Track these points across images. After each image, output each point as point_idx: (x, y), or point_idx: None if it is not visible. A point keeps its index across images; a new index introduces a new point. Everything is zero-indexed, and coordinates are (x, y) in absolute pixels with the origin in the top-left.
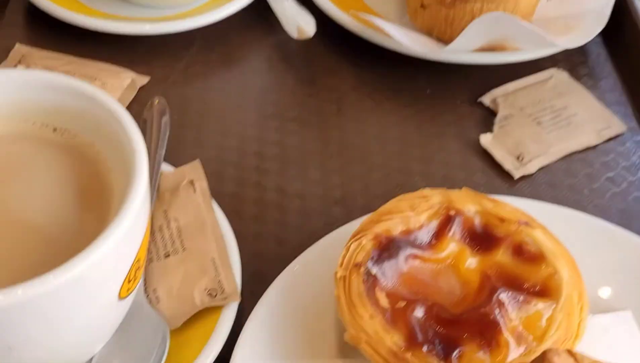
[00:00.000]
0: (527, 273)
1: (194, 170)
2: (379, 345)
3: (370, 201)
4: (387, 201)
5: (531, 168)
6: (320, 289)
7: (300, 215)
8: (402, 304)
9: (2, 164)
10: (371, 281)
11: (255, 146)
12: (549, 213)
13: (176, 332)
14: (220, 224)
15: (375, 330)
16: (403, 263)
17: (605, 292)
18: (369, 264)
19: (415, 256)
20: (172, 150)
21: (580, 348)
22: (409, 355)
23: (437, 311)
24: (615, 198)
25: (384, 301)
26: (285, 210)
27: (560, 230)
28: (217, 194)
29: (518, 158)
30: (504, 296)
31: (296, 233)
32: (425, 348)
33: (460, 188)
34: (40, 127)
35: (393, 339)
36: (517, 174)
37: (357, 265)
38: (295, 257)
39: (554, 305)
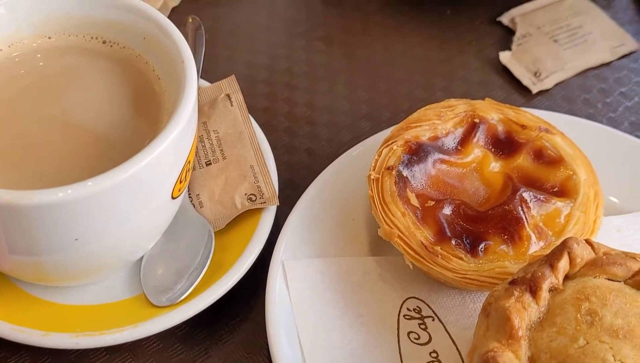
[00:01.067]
0: (547, 175)
1: (230, 84)
2: (411, 240)
3: (395, 115)
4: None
5: (548, 83)
6: (351, 193)
7: (329, 128)
8: (431, 203)
9: (58, 75)
10: (402, 182)
11: (285, 64)
12: (566, 124)
13: (220, 233)
14: (257, 135)
15: (407, 226)
16: (431, 167)
17: (617, 197)
18: (400, 167)
19: (442, 161)
20: (205, 68)
21: None
22: (438, 248)
23: (463, 209)
24: (628, 112)
25: (414, 200)
26: (315, 123)
27: (576, 138)
28: (250, 109)
29: (535, 74)
30: (527, 194)
31: (326, 145)
32: (453, 242)
33: None
34: (89, 40)
35: (423, 234)
36: (534, 90)
37: (389, 168)
38: (325, 167)
39: (572, 204)
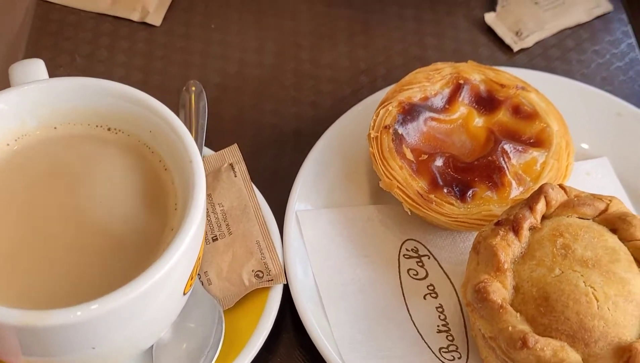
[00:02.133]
0: (524, 128)
1: (233, 153)
2: (408, 189)
3: (391, 71)
4: (406, 71)
5: (528, 42)
6: (353, 149)
7: (331, 83)
8: (424, 157)
9: (66, 165)
10: (398, 139)
11: (291, 24)
12: (543, 80)
13: (228, 311)
14: (261, 207)
15: (405, 178)
16: (423, 124)
17: (586, 144)
18: (396, 126)
19: (432, 119)
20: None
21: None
22: (432, 196)
23: (453, 161)
24: (599, 68)
25: (409, 155)
26: (318, 79)
27: (552, 93)
28: (258, 65)
29: (517, 33)
30: (507, 147)
31: (328, 98)
32: (445, 190)
33: (467, 60)
34: (95, 128)
35: (419, 184)
36: (516, 48)
37: (386, 127)
38: (328, 118)
39: (546, 153)
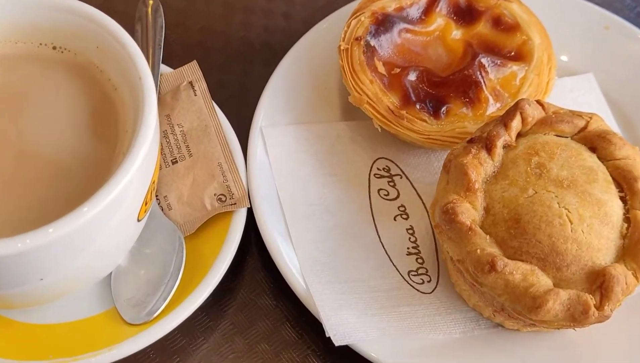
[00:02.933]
0: (504, 40)
1: (193, 71)
2: (378, 105)
3: None
4: None
5: None
6: (324, 63)
7: None
8: (397, 70)
9: (12, 89)
10: (370, 52)
11: None
12: None
13: (189, 237)
14: (223, 127)
15: (375, 93)
16: (397, 36)
17: (571, 59)
18: (368, 37)
19: (407, 30)
20: None
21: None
22: (404, 112)
23: (427, 75)
24: None
25: (381, 68)
26: None
27: (536, 4)
28: None
29: None
30: (485, 60)
31: (301, 10)
32: (418, 106)
33: None
34: (38, 47)
35: (390, 100)
36: None
37: (358, 39)
38: (300, 31)
39: (527, 67)
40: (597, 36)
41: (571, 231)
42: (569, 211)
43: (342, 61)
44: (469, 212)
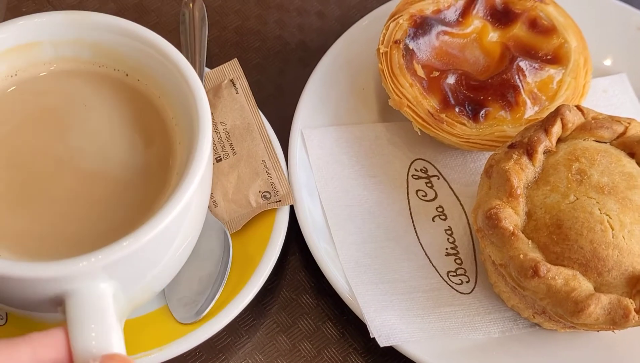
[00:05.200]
0: (541, 43)
1: (234, 69)
2: (418, 108)
3: None
4: None
5: None
6: (361, 64)
7: None
8: (436, 74)
9: (60, 107)
10: (409, 55)
11: None
12: None
13: (235, 234)
14: (265, 126)
15: (415, 96)
16: (435, 39)
17: (605, 60)
18: (407, 40)
19: (445, 33)
20: None
21: (584, 105)
22: (444, 116)
23: (465, 79)
24: None
25: (420, 71)
26: None
27: (571, 5)
28: None
29: None
30: (522, 63)
31: (336, 7)
32: (457, 110)
33: None
34: (86, 64)
35: (430, 103)
36: None
37: (397, 42)
38: (335, 30)
39: (564, 70)
40: (630, 37)
41: (612, 237)
42: (610, 218)
43: (381, 65)
44: (512, 217)
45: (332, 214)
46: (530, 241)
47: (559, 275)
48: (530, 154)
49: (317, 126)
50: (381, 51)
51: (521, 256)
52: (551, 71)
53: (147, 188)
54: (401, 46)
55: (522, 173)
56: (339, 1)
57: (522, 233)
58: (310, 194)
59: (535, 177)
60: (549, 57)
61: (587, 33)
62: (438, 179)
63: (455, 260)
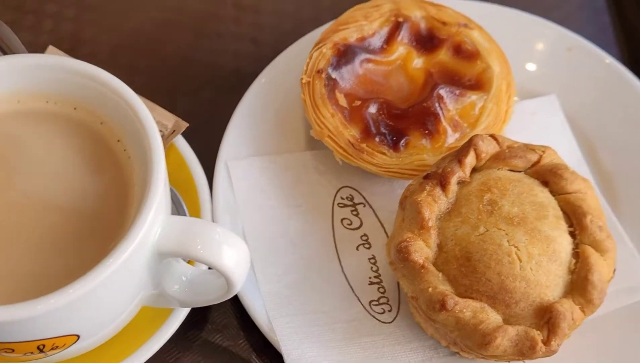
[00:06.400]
0: (465, 69)
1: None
2: (339, 138)
3: (336, 3)
4: (351, 2)
5: None
6: (290, 94)
7: (273, 16)
8: (358, 103)
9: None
10: (331, 84)
11: None
12: (491, 13)
13: None
14: (190, 163)
15: (336, 126)
16: (358, 67)
17: (535, 81)
18: (329, 69)
19: (369, 60)
20: None
21: (510, 130)
22: (364, 145)
23: (387, 107)
24: None
25: (342, 101)
26: (259, 12)
27: (499, 27)
28: None
29: None
30: (443, 91)
31: (269, 34)
32: (377, 139)
33: None
34: (37, 103)
35: (351, 133)
36: None
37: (319, 71)
38: (270, 56)
39: (485, 96)
40: (560, 58)
41: (520, 269)
42: (518, 249)
43: (304, 95)
44: (422, 250)
45: (255, 246)
46: (440, 274)
47: (467, 308)
48: (444, 185)
49: (244, 156)
50: (304, 80)
51: (430, 289)
52: (473, 97)
53: (102, 226)
54: (323, 75)
55: (435, 204)
56: (274, 27)
57: (434, 265)
58: (234, 228)
59: (448, 208)
60: (471, 83)
61: (517, 53)
62: (364, 206)
63: (378, 288)
